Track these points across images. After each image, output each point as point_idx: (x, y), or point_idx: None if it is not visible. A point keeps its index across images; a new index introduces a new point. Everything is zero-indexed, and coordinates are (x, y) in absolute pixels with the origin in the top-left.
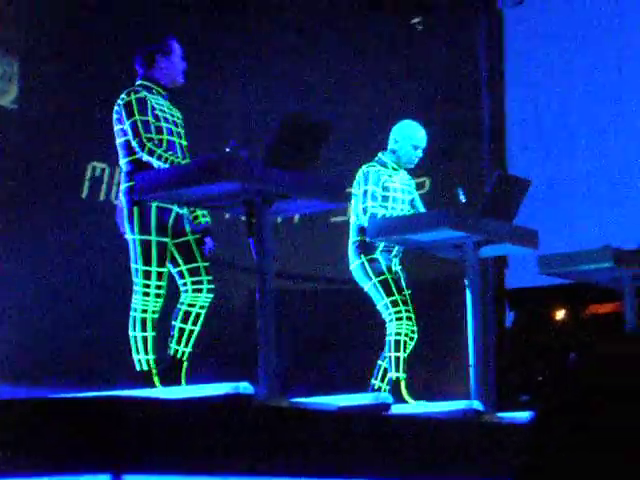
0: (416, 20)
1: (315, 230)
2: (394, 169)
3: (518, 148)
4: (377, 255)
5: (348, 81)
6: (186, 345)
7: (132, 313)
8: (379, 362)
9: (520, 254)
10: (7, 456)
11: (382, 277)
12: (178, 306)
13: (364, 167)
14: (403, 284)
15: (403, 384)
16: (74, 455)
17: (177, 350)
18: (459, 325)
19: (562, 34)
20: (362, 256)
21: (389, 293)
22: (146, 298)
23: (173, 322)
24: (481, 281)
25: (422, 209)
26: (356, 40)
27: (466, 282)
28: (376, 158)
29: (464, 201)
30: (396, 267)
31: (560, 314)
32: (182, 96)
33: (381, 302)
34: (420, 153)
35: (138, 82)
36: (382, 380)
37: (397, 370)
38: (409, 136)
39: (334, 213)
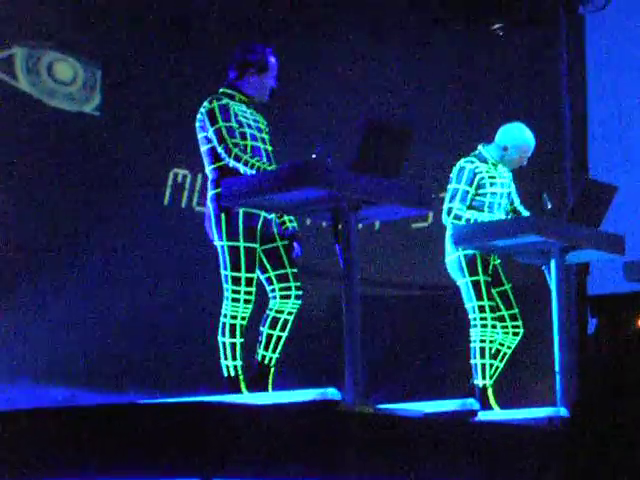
0: (497, 26)
1: (396, 236)
2: (494, 165)
3: (601, 154)
4: (475, 252)
5: (433, 88)
6: (274, 351)
7: (222, 319)
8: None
9: (606, 260)
10: (97, 461)
11: (475, 278)
12: (267, 312)
13: (461, 161)
14: (503, 278)
15: (490, 391)
16: (164, 460)
17: (264, 356)
18: (544, 332)
19: None
20: (460, 249)
21: (479, 296)
22: (235, 304)
23: (261, 328)
24: (566, 288)
25: (518, 202)
26: (441, 46)
27: (552, 289)
28: (476, 152)
29: (550, 207)
30: (494, 260)
31: None
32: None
33: (470, 303)
34: (525, 163)
35: (221, 89)
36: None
37: (483, 377)
38: (521, 147)
39: (415, 220)
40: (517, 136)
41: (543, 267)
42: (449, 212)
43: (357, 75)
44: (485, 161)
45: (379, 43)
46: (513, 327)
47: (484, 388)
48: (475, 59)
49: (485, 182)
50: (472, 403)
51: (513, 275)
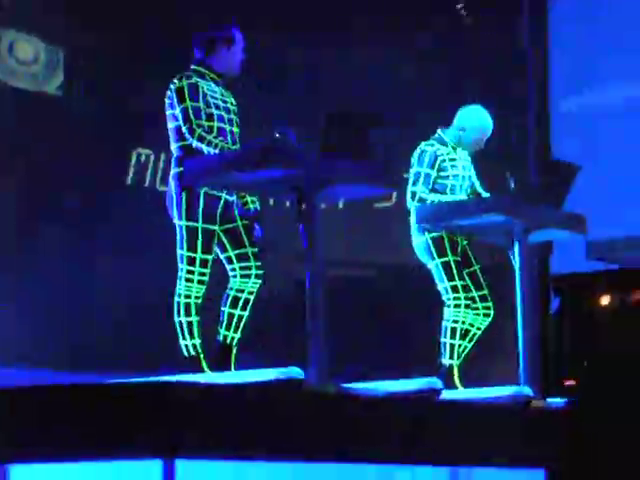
0: (460, 5)
1: (359, 216)
2: (453, 148)
3: (564, 133)
4: (441, 232)
5: (397, 67)
6: (235, 331)
7: (176, 298)
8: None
9: (569, 240)
10: (58, 441)
11: (444, 259)
12: (227, 292)
13: (422, 145)
14: (472, 259)
15: (456, 371)
16: (126, 440)
17: (226, 336)
18: (508, 311)
19: (609, 16)
20: (426, 233)
21: (450, 277)
22: (189, 284)
23: (222, 308)
24: (530, 267)
25: (479, 186)
26: (404, 25)
27: (515, 268)
28: (435, 135)
29: (513, 187)
30: (462, 242)
31: (605, 300)
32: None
33: (442, 284)
34: (483, 145)
35: (192, 67)
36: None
37: (451, 357)
38: (478, 127)
39: (378, 200)
40: (474, 117)
41: (509, 252)
42: (413, 196)
43: (329, 57)
44: (445, 144)
45: (350, 26)
46: (484, 308)
47: (450, 367)
48: (442, 40)
49: (446, 165)
50: (435, 382)
51: (479, 255)
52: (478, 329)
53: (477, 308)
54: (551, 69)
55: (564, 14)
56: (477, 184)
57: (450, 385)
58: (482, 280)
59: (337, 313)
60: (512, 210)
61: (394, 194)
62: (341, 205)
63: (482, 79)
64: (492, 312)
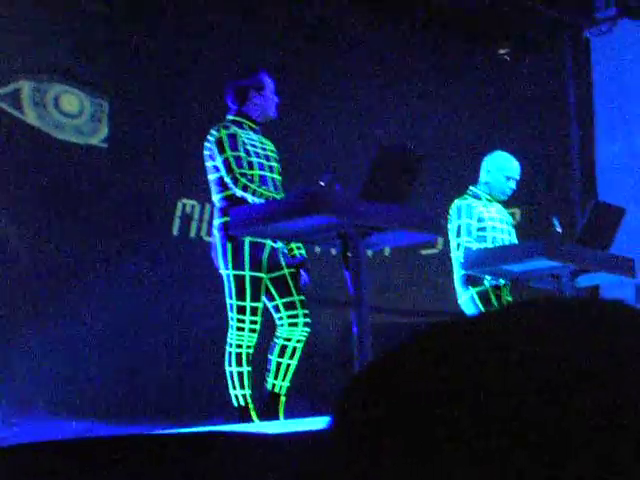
0: (503, 51)
1: (406, 263)
2: (488, 200)
3: (609, 177)
4: (486, 287)
5: (436, 112)
6: (283, 379)
7: (227, 348)
8: None
9: (616, 283)
10: None
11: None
12: (275, 340)
13: (457, 201)
14: None
15: None
16: None
17: (274, 385)
18: None
19: None
20: (471, 288)
21: None
22: (240, 333)
23: (269, 356)
24: None
25: (516, 241)
26: (444, 71)
27: None
28: (468, 191)
29: (559, 230)
30: (507, 297)
31: None
32: (274, 129)
33: None
34: (513, 185)
35: (229, 117)
36: None
37: None
38: (502, 167)
39: (424, 246)
40: (496, 158)
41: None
42: (458, 247)
43: (365, 104)
44: (478, 197)
45: (387, 71)
46: None
47: None
48: (482, 86)
49: (483, 216)
50: None
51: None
52: None
53: None
54: (596, 109)
55: (606, 53)
56: (514, 237)
57: None
58: None
59: None
60: (558, 254)
61: (440, 241)
62: (387, 252)
63: (526, 122)
64: None
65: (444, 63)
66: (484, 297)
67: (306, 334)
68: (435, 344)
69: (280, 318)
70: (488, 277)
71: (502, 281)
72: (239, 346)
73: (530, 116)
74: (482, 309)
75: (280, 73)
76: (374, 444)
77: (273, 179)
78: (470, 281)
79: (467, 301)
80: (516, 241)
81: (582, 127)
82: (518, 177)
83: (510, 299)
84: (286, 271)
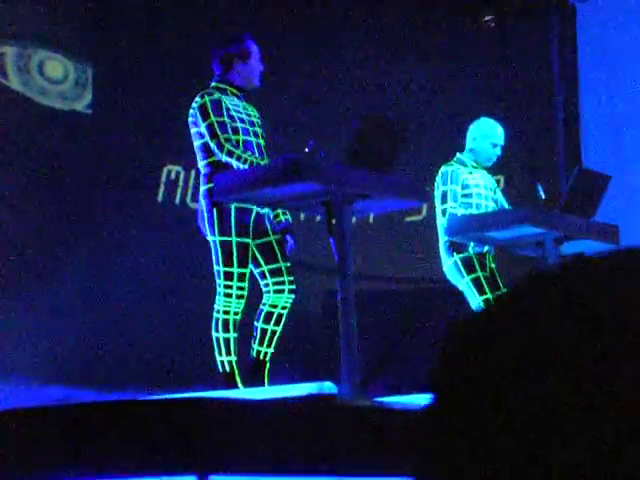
0: (488, 18)
1: (390, 230)
2: (474, 167)
3: (594, 144)
4: (470, 253)
5: (423, 82)
6: (268, 346)
7: (214, 314)
8: None
9: (602, 250)
10: (91, 458)
11: (474, 275)
12: (260, 307)
13: (443, 167)
14: (499, 282)
15: None
16: (160, 456)
17: (259, 351)
18: None
19: (636, 25)
20: (455, 254)
21: (481, 291)
22: (228, 299)
23: (255, 323)
24: None
25: (506, 205)
26: (428, 38)
27: None
28: (454, 158)
29: (543, 197)
30: (491, 264)
31: None
32: (260, 98)
33: (475, 301)
34: (499, 151)
35: (213, 84)
36: None
37: None
38: (487, 134)
39: (409, 213)
40: (482, 125)
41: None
42: (444, 213)
43: (351, 72)
44: (464, 164)
45: (374, 40)
46: None
47: None
48: (468, 53)
49: (468, 182)
50: None
51: (510, 267)
52: None
53: None
54: (581, 76)
55: (591, 20)
56: (503, 200)
57: None
58: (500, 283)
59: (369, 327)
60: (543, 221)
61: (424, 207)
62: (371, 219)
63: (510, 89)
64: None
65: (428, 30)
66: (468, 263)
67: (292, 300)
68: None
69: (266, 285)
70: (472, 244)
71: (486, 248)
72: (226, 312)
73: (515, 82)
74: (465, 275)
75: (267, 40)
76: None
77: (258, 144)
78: (454, 247)
79: (451, 267)
80: (506, 206)
81: (567, 94)
82: (503, 143)
83: (494, 266)
84: (272, 237)
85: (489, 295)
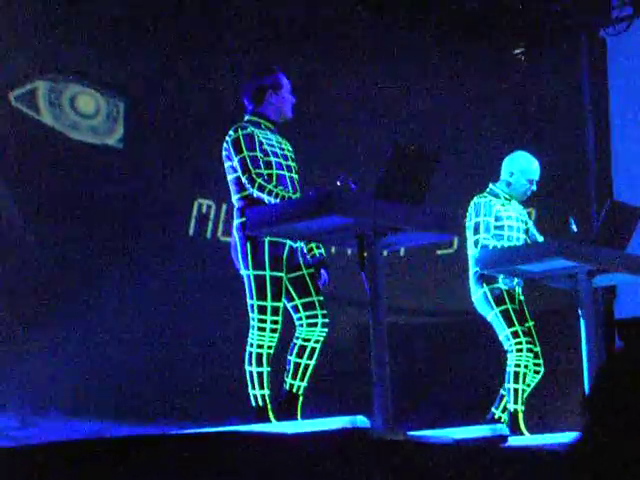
0: (519, 50)
1: (422, 264)
2: (506, 199)
3: (625, 177)
4: (499, 284)
5: (453, 113)
6: (302, 380)
7: (248, 348)
8: (501, 392)
9: (634, 283)
10: None
11: (503, 307)
12: (294, 340)
13: (475, 198)
14: (527, 314)
15: (521, 416)
16: None
17: (292, 385)
18: (574, 355)
19: None
20: (484, 285)
21: (510, 324)
22: (262, 333)
23: (289, 357)
24: (595, 311)
25: (538, 237)
26: (461, 71)
27: (580, 312)
28: (487, 189)
29: (576, 230)
30: (520, 296)
31: None
32: (291, 130)
33: (503, 332)
34: (535, 187)
35: (246, 118)
36: (502, 411)
37: (516, 402)
38: (525, 170)
39: (440, 246)
40: (519, 160)
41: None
42: (476, 244)
43: (383, 103)
44: (497, 196)
45: (406, 70)
46: (535, 365)
47: (516, 413)
48: (498, 85)
49: (501, 215)
50: (502, 428)
51: (543, 299)
52: (527, 386)
53: (521, 343)
54: (611, 108)
55: (622, 52)
56: (534, 231)
57: (516, 431)
58: (535, 336)
59: (402, 361)
60: (575, 254)
61: (455, 240)
62: (403, 252)
63: (541, 120)
64: (542, 369)
65: (460, 62)
66: (497, 295)
67: (324, 334)
68: None
69: (299, 318)
70: (502, 276)
71: (516, 280)
72: (260, 346)
73: (546, 115)
74: (494, 307)
75: (295, 71)
76: None
77: (291, 178)
78: (484, 279)
79: (479, 299)
80: (538, 237)
81: (598, 126)
82: (538, 179)
83: (523, 298)
84: (305, 271)
85: (517, 327)
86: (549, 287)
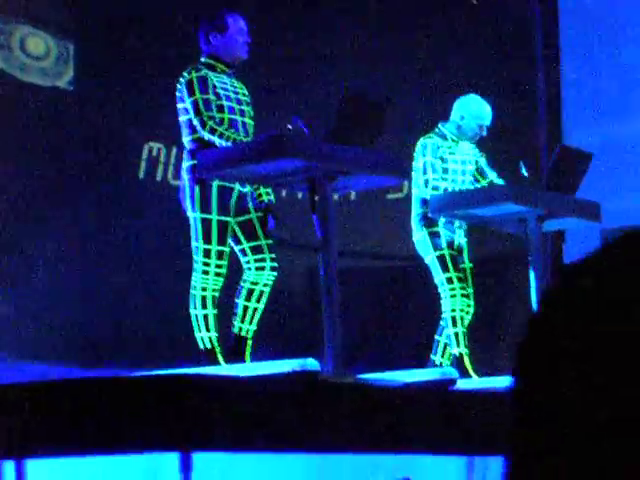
0: None
1: (372, 207)
2: (454, 141)
3: (575, 121)
4: (439, 228)
5: (402, 53)
6: (250, 323)
7: (192, 291)
8: (437, 337)
9: (583, 227)
10: (74, 435)
11: (440, 252)
12: (241, 284)
13: (422, 139)
14: (465, 257)
15: (467, 359)
16: (142, 434)
17: (241, 328)
18: (521, 300)
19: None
20: (425, 228)
21: (445, 269)
22: (205, 276)
23: (236, 300)
24: (544, 256)
25: (490, 173)
26: (409, 12)
27: (529, 257)
28: (435, 129)
29: (526, 175)
30: (460, 239)
31: None
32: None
33: (438, 277)
34: (484, 132)
35: (201, 59)
36: (442, 355)
37: (458, 345)
38: (476, 114)
39: (391, 190)
40: (470, 104)
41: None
42: (426, 183)
43: (336, 48)
44: (444, 137)
45: (357, 14)
46: (467, 306)
47: (461, 356)
48: (450, 27)
49: (447, 157)
50: (451, 372)
51: (492, 244)
52: (466, 312)
53: (455, 289)
54: (562, 53)
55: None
56: (494, 176)
57: (463, 374)
58: (470, 279)
59: (351, 305)
60: (525, 198)
61: (405, 184)
62: (353, 196)
63: (491, 67)
64: (472, 310)
65: (411, 6)
66: (435, 239)
67: (273, 278)
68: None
69: (247, 262)
70: (443, 220)
71: (457, 223)
72: (204, 289)
73: (496, 58)
74: (432, 252)
75: (252, 15)
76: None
77: (244, 123)
78: (425, 221)
79: (420, 240)
80: (490, 173)
81: (547, 70)
82: (489, 124)
83: (465, 241)
84: (253, 215)
85: (452, 274)
86: (500, 231)
